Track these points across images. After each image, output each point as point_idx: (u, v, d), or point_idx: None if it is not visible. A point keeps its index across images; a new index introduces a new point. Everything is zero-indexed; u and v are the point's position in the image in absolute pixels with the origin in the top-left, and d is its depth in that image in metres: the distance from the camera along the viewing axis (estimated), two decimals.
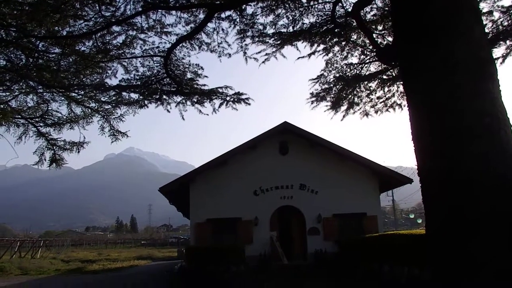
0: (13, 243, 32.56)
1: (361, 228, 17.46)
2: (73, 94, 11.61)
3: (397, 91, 11.32)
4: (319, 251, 16.86)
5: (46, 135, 12.71)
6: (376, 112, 11.97)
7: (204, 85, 11.05)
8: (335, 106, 11.81)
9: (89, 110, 12.27)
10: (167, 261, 30.69)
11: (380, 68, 10.53)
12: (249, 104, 11.23)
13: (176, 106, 11.57)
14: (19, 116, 12.15)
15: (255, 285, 12.66)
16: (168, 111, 11.66)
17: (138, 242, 73.98)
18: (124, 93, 11.43)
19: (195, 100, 11.38)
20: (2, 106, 11.54)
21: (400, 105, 11.70)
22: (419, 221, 57.95)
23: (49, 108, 12.32)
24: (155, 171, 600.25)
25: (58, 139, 12.91)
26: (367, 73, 10.76)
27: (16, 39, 8.35)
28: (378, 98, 11.46)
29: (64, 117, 12.54)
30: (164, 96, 11.44)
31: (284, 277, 13.70)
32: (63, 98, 11.78)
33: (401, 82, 8.72)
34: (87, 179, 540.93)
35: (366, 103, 11.79)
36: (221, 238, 17.15)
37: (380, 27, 9.59)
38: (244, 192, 18.00)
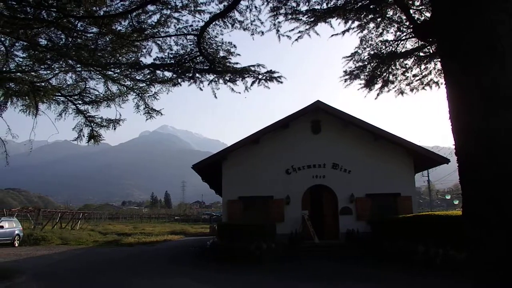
0: (55, 214, 34.47)
1: (394, 209, 17.38)
2: (109, 73, 11.81)
3: (434, 68, 10.92)
4: (351, 231, 16.95)
5: (84, 112, 13.10)
6: (411, 90, 11.62)
7: (237, 63, 10.96)
8: (369, 84, 11.55)
9: (125, 88, 12.45)
10: (199, 237, 31.67)
11: (416, 45, 10.16)
12: (281, 82, 10.90)
13: (208, 84, 11.30)
14: (59, 94, 12.48)
15: (286, 262, 12.91)
16: (201, 89, 11.43)
17: (172, 217, 76.24)
18: (158, 72, 11.39)
19: (227, 79, 11.08)
20: (43, 84, 11.98)
21: (437, 83, 11.29)
22: (456, 202, 56.47)
23: (87, 86, 12.65)
24: (188, 149, 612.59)
25: (96, 116, 13.23)
26: (403, 50, 10.41)
27: (56, 19, 8.61)
28: (414, 76, 11.09)
29: (101, 95, 12.85)
30: (197, 75, 11.19)
31: (315, 256, 13.89)
32: (100, 77, 12.06)
33: (439, 59, 8.42)
34: (123, 155, 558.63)
35: (402, 81, 11.46)
36: (253, 215, 17.52)
37: (417, 2, 9.21)
38: (276, 170, 18.26)
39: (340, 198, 17.87)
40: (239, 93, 11.59)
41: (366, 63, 11.39)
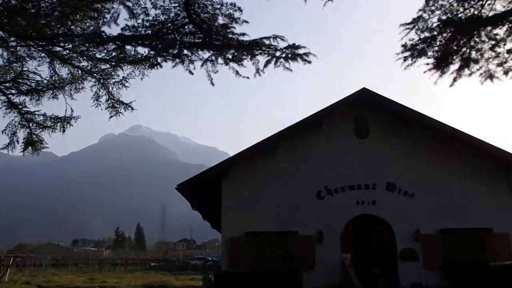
0: None
1: (482, 251, 17.30)
2: (58, 49, 12.04)
3: None
4: (416, 285, 16.84)
5: (20, 106, 13.20)
6: (505, 73, 11.73)
7: (243, 34, 11.10)
8: (441, 65, 11.68)
9: (79, 72, 12.64)
10: None
11: (511, 6, 10.31)
12: (309, 61, 11.11)
13: (202, 65, 11.64)
14: None
15: None
16: (190, 72, 11.74)
17: (147, 263, 75.97)
18: (128, 47, 11.69)
19: (230, 57, 11.44)
20: None
21: None
22: None
23: (25, 69, 12.84)
24: (171, 160, 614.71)
25: (36, 113, 13.39)
26: (490, 14, 10.57)
27: None
28: (509, 51, 11.22)
29: (45, 81, 13.00)
30: (185, 51, 11.60)
31: None
32: (43, 55, 12.22)
33: None
34: (75, 170, 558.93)
35: (490, 60, 11.58)
36: (267, 260, 17.48)
37: None
38: (302, 193, 18.36)
39: (399, 235, 17.80)
40: (247, 77, 11.54)
41: (435, 33, 11.51)
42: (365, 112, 18.74)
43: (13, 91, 13.21)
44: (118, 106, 12.82)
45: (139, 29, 11.02)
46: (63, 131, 13.31)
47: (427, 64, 11.87)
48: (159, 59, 11.92)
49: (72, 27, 11.38)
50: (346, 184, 18.29)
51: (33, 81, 13.10)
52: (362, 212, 18.15)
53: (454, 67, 11.88)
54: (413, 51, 11.58)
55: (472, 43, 11.39)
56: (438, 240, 17.71)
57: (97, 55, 12.17)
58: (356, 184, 18.28)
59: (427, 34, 11.37)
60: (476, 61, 11.75)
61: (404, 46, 11.63)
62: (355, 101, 18.49)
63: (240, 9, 10.80)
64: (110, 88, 12.68)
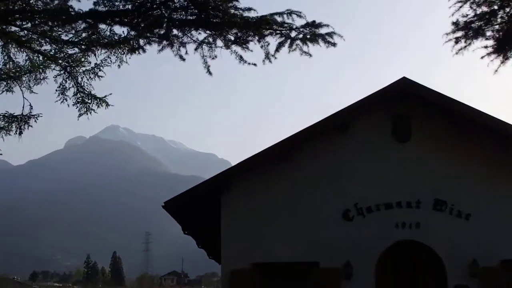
0: None
1: None
2: (13, 29, 12.02)
3: None
4: None
5: None
6: None
7: (249, 9, 11.01)
8: (503, 47, 11.66)
9: (41, 58, 12.62)
10: None
11: None
12: (333, 44, 11.26)
13: (196, 49, 11.68)
14: None
15: None
16: (182, 58, 11.81)
17: None
18: (102, 26, 11.69)
19: (232, 38, 11.48)
20: None
21: None
22: None
23: None
24: (158, 170, 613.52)
25: None
26: None
27: None
28: None
29: None
30: (175, 31, 11.57)
31: None
32: None
33: None
34: (34, 184, 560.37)
35: None
36: None
37: None
38: (324, 212, 18.16)
39: (450, 268, 17.50)
40: (254, 64, 11.67)
41: (496, 7, 11.45)
42: (406, 108, 18.52)
43: None
44: (90, 101, 12.86)
45: (116, 4, 10.99)
46: (20, 133, 13.21)
47: (485, 46, 11.81)
48: (141, 42, 11.89)
49: (31, 1, 11.35)
50: (381, 202, 17.97)
51: None
52: (403, 237, 17.85)
53: None
54: (467, 30, 11.53)
55: None
56: (501, 275, 17.37)
57: (63, 37, 12.10)
58: (395, 202, 17.93)
59: (485, 9, 11.33)
60: None
61: (456, 24, 11.58)
62: (392, 94, 18.28)
63: None
64: (80, 79, 12.70)
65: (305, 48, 11.41)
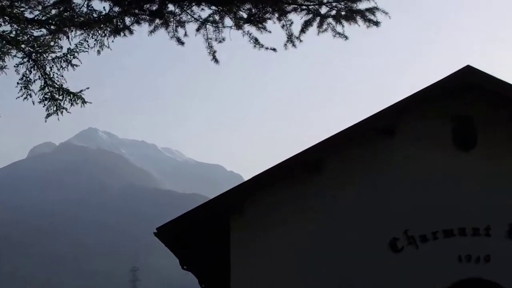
0: None
1: None
2: None
3: None
4: None
5: None
6: None
7: None
8: None
9: (1, 42, 11.84)
10: None
11: None
12: (376, 23, 10.74)
13: (199, 29, 11.30)
14: None
15: None
16: (179, 41, 11.47)
17: None
18: (78, 0, 10.96)
19: (245, 16, 10.97)
20: None
21: None
22: None
23: None
24: (149, 186, 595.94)
25: None
26: None
27: None
28: None
29: None
30: (171, 6, 11.04)
31: None
32: None
33: None
34: None
35: None
36: None
37: None
38: (364, 241, 16.03)
39: None
40: (274, 49, 11.36)
41: None
42: (471, 107, 16.39)
43: None
44: (61, 97, 12.14)
45: None
46: None
47: None
48: (127, 20, 11.36)
49: None
50: (439, 228, 15.91)
51: None
52: (468, 274, 15.78)
53: None
54: None
55: None
56: None
57: (27, 15, 11.47)
58: (457, 228, 15.93)
59: None
60: None
61: None
62: (453, 86, 16.13)
63: None
64: (48, 68, 11.99)
65: (339, 28, 11.12)
